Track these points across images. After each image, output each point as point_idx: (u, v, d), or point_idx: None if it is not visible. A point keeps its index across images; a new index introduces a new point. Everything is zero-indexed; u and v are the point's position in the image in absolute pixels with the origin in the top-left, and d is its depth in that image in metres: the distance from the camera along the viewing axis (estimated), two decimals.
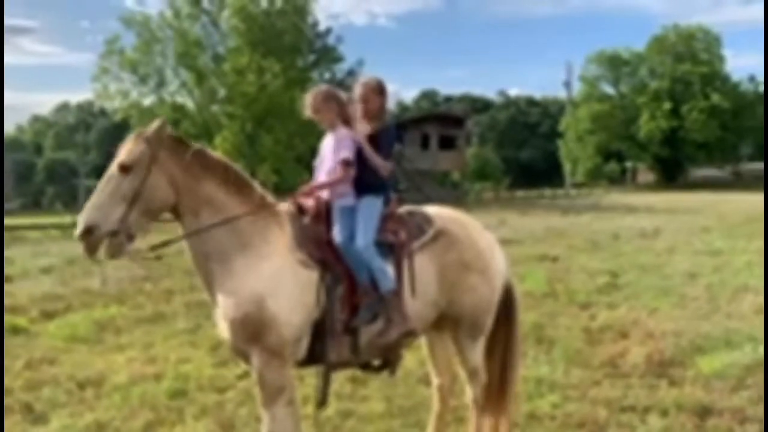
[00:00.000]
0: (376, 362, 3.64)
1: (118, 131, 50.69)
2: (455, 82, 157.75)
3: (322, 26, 40.10)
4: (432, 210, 3.82)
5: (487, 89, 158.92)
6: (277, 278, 3.24)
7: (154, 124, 3.28)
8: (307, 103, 3.54)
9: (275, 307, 3.19)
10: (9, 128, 65.79)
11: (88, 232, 3.07)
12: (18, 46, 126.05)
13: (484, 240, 3.83)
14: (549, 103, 78.32)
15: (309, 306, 3.28)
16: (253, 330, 3.18)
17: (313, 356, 3.37)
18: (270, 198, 3.46)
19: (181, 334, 6.82)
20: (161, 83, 36.44)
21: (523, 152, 70.90)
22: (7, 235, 24.56)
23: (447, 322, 3.73)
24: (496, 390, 3.93)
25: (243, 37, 35.48)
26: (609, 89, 61.47)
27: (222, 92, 36.33)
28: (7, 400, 4.77)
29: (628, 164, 63.47)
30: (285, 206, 3.47)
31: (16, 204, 47.46)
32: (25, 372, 5.46)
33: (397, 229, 3.55)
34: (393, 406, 4.66)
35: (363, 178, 3.50)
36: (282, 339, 3.20)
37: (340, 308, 3.35)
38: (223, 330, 3.30)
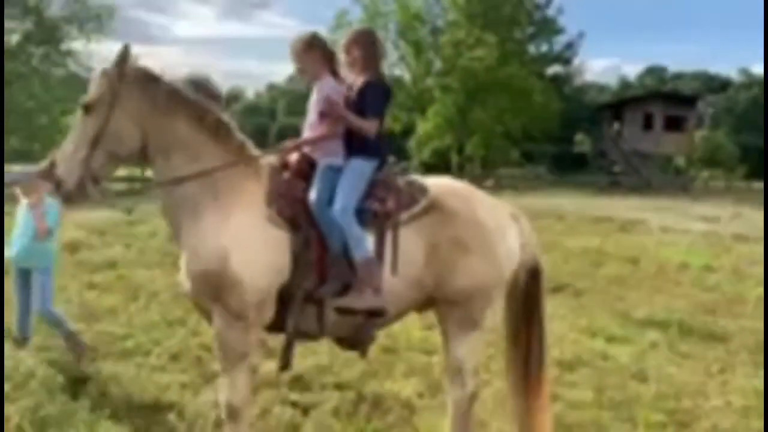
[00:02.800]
0: (345, 337, 3.31)
1: None
2: (687, 57, 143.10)
3: None
4: (433, 180, 3.39)
5: (725, 66, 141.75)
6: (245, 235, 3.01)
7: (115, 56, 3.01)
8: (290, 50, 3.27)
9: (238, 266, 2.96)
10: (249, 94, 73.84)
11: (59, 186, 3.02)
12: (259, 19, 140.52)
13: (493, 218, 3.32)
14: None
15: (276, 268, 3.03)
16: (213, 287, 2.99)
17: (279, 323, 3.15)
18: (251, 148, 3.22)
19: None
20: None
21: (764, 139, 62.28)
22: None
23: (436, 306, 3.34)
24: (524, 380, 3.52)
25: (462, 10, 35.61)
26: None
27: (438, 65, 36.96)
28: None
29: None
30: (269, 159, 3.26)
31: None
32: None
33: (385, 197, 3.19)
34: (603, 397, 4.45)
35: (354, 138, 3.21)
36: (243, 301, 2.98)
37: (306, 274, 3.06)
38: (184, 282, 3.13)
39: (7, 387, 4.05)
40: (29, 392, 4.04)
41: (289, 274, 3.04)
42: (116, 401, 4.04)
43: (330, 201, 3.09)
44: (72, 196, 3.00)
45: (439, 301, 3.29)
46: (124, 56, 3.00)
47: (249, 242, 2.99)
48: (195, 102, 3.07)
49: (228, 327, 3.03)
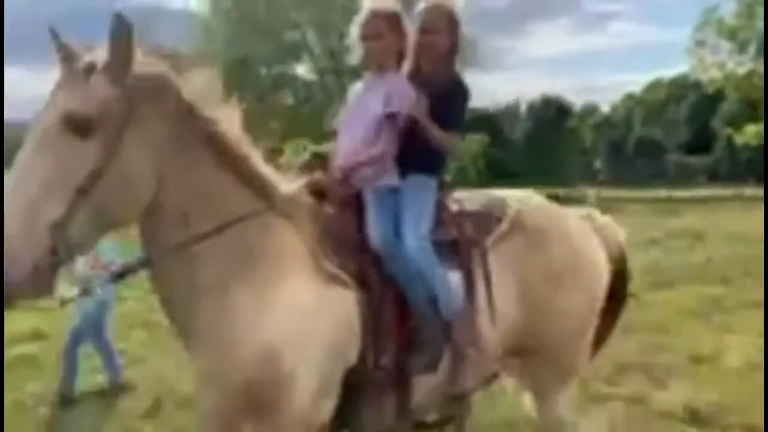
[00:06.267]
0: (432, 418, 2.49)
1: (709, 104, 48.95)
2: None
3: None
4: (502, 193, 2.61)
5: None
6: (299, 314, 2.02)
7: (111, 37, 1.74)
8: (363, 20, 2.30)
9: (294, 362, 1.99)
10: (603, 108, 71.72)
11: None
12: (611, 29, 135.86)
13: (586, 238, 2.63)
14: None
15: (343, 350, 2.10)
16: (258, 399, 1.99)
17: (341, 422, 2.18)
18: (277, 179, 2.14)
19: None
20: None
21: None
22: (601, 206, 26.94)
23: (524, 356, 2.55)
24: None
25: None
26: None
27: None
28: (629, 360, 5.16)
29: None
30: (292, 188, 2.16)
31: (607, 177, 52.27)
32: (644, 336, 5.77)
33: (460, 222, 2.40)
34: None
35: (412, 150, 2.31)
36: (297, 407, 2.01)
37: (384, 348, 2.16)
38: (206, 395, 2.07)
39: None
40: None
41: (361, 352, 2.15)
42: None
43: (396, 235, 2.24)
44: (22, 293, 1.66)
45: (527, 350, 2.55)
46: (127, 36, 1.75)
47: (305, 323, 2.03)
48: (213, 120, 1.96)
49: None
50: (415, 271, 2.20)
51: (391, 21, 2.29)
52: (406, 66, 2.39)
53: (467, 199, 2.53)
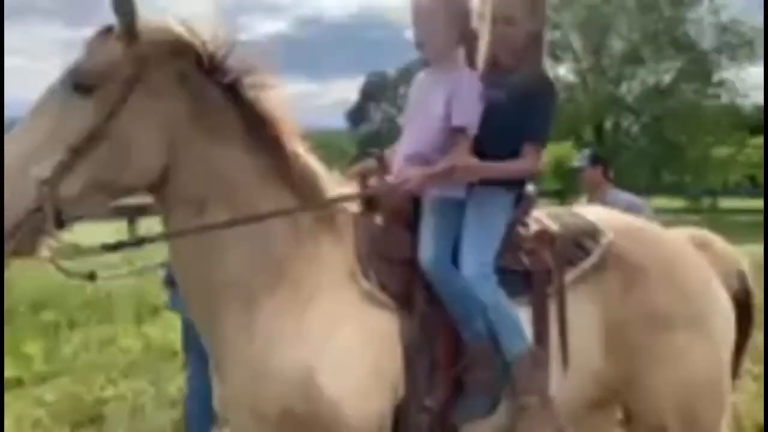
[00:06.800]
0: None
1: None
2: None
3: None
4: (594, 214, 2.18)
5: None
6: (337, 334, 1.81)
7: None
8: (415, 3, 1.96)
9: (335, 388, 1.77)
10: None
11: None
12: None
13: (697, 270, 2.12)
14: None
15: (389, 379, 1.84)
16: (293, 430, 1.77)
17: None
18: (326, 182, 1.92)
19: None
20: None
21: None
22: None
23: (636, 418, 2.09)
24: None
25: None
26: None
27: None
28: None
29: None
30: (338, 192, 1.95)
31: None
32: None
33: (536, 248, 1.99)
34: None
35: (485, 158, 1.95)
36: None
37: (428, 385, 1.87)
38: (237, 422, 1.88)
39: None
40: None
41: (407, 387, 1.89)
42: None
43: (454, 258, 1.95)
44: (15, 250, 1.62)
45: (633, 409, 2.12)
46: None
47: (346, 344, 1.81)
48: (254, 102, 1.81)
49: None
50: (472, 300, 1.91)
51: (449, 5, 1.99)
52: (482, 58, 2.08)
53: (551, 217, 2.15)
